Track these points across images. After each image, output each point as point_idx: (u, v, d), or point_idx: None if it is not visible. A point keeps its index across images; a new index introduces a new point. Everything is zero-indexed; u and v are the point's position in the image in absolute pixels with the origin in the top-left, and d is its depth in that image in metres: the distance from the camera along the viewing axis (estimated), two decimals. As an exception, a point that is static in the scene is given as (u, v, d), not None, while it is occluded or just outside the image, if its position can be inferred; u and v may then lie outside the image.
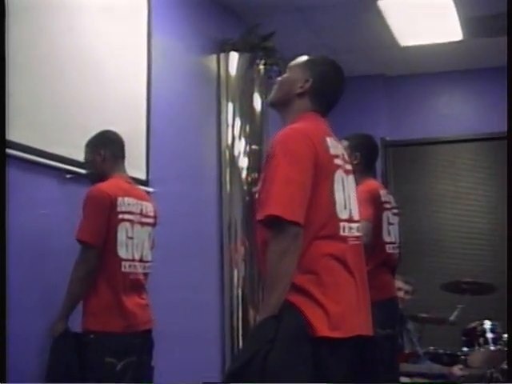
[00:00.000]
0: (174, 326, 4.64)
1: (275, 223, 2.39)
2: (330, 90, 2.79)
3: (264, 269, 2.49)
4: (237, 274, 5.77)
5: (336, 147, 2.66)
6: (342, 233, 2.54)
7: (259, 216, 2.47)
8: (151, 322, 3.67)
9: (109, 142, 3.78)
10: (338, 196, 2.56)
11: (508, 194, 3.25)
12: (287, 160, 2.47)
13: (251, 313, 5.73)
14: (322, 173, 2.51)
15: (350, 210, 2.63)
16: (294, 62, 2.88)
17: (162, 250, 3.98)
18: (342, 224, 2.55)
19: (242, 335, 5.70)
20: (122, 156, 3.82)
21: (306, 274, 2.44)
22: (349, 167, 2.73)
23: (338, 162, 2.62)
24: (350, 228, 2.59)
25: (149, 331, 3.66)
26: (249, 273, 5.75)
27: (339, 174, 2.60)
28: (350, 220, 2.61)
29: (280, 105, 2.82)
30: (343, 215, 2.57)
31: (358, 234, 2.64)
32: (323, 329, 2.38)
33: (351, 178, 2.73)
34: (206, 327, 5.52)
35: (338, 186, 2.57)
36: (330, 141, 2.63)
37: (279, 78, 2.89)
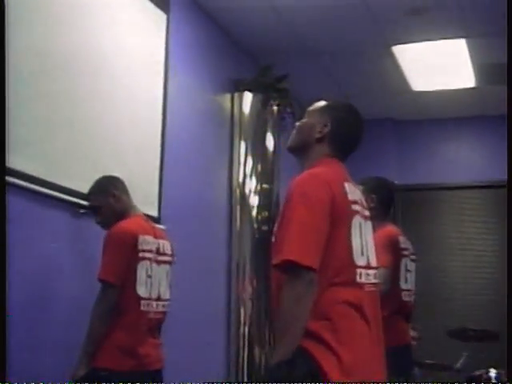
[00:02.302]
0: (181, 362, 4.62)
1: (290, 268, 2.38)
2: (348, 135, 2.79)
3: (277, 313, 2.48)
4: (243, 313, 5.76)
5: (354, 193, 2.65)
6: (358, 279, 2.52)
7: (275, 260, 2.45)
8: (162, 362, 3.65)
9: (116, 182, 3.78)
10: (355, 242, 2.55)
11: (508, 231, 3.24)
12: (304, 204, 2.46)
13: (257, 351, 5.72)
14: (339, 218, 2.50)
15: (368, 257, 2.61)
16: (312, 107, 2.87)
17: (172, 288, 3.98)
18: (358, 270, 2.53)
19: (248, 373, 5.68)
20: (129, 194, 3.81)
21: (320, 320, 2.42)
22: (367, 213, 2.72)
23: (355, 207, 2.61)
24: (367, 275, 2.57)
25: (159, 371, 3.64)
26: (256, 311, 5.74)
27: (357, 219, 2.59)
28: (368, 267, 2.59)
29: (299, 149, 2.81)
30: (360, 261, 2.55)
31: (374, 280, 2.62)
32: (336, 375, 2.35)
33: (369, 223, 2.72)
34: (212, 364, 5.51)
35: (355, 232, 2.55)
36: (348, 186, 2.63)
37: (298, 123, 2.87)
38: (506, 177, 7.25)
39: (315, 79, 6.72)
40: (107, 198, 3.70)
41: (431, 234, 7.84)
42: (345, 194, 2.59)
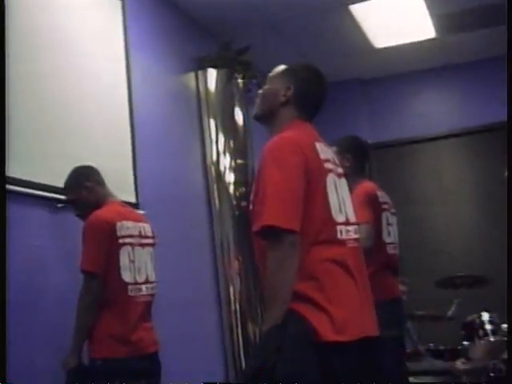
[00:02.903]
0: (174, 345, 4.63)
1: (271, 233, 2.39)
2: (312, 95, 2.79)
3: (264, 279, 2.50)
4: (233, 290, 5.76)
5: (326, 152, 2.66)
6: (339, 236, 2.54)
7: (255, 227, 2.46)
8: (157, 345, 3.66)
9: (88, 172, 3.77)
10: (332, 200, 2.56)
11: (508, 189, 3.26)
12: (278, 168, 2.46)
13: (250, 327, 5.73)
14: (313, 178, 2.51)
15: (346, 213, 2.62)
16: (273, 73, 2.87)
17: (157, 271, 3.99)
18: (339, 227, 2.54)
19: (243, 350, 5.69)
20: (105, 183, 3.81)
21: (306, 280, 2.44)
22: (340, 170, 2.73)
23: (328, 166, 2.61)
24: (348, 231, 2.59)
25: (155, 353, 3.65)
26: (245, 287, 5.75)
27: (331, 177, 2.60)
28: (347, 223, 2.60)
29: (265, 117, 2.82)
30: (339, 218, 2.56)
31: (355, 236, 2.64)
32: (328, 334, 2.38)
33: (344, 181, 2.73)
34: (206, 344, 5.52)
35: (331, 190, 2.57)
36: (319, 146, 2.63)
37: (260, 91, 2.87)
38: (477, 123, 7.41)
39: (277, 48, 6.69)
40: (80, 191, 3.70)
41: (410, 188, 7.88)
42: (316, 153, 2.60)
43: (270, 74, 2.87)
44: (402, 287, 5.74)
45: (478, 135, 7.57)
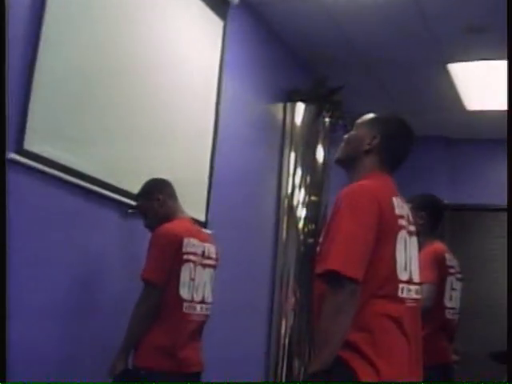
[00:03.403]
0: (220, 368, 4.63)
1: (333, 278, 2.39)
2: (397, 147, 2.79)
3: (318, 322, 2.49)
4: (285, 324, 5.76)
5: (401, 207, 2.64)
6: (400, 294, 2.52)
7: (318, 269, 2.47)
8: (202, 365, 3.67)
9: (163, 186, 3.82)
10: (400, 256, 2.54)
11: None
12: (351, 216, 2.46)
13: (296, 363, 5.71)
14: (385, 232, 2.50)
15: (411, 272, 2.60)
16: (361, 120, 2.87)
17: (216, 292, 4.01)
18: (401, 285, 2.52)
19: (286, 384, 5.68)
20: (177, 198, 3.85)
21: (360, 331, 2.42)
22: (413, 228, 2.71)
23: (402, 222, 2.60)
24: (409, 290, 2.56)
25: (198, 374, 3.66)
26: (297, 323, 5.74)
27: (402, 234, 2.58)
28: (410, 282, 2.58)
29: (347, 162, 2.81)
30: (403, 276, 2.54)
31: (416, 296, 2.61)
32: None
33: (414, 239, 2.70)
34: (250, 374, 5.50)
35: (400, 247, 2.55)
36: (395, 200, 2.62)
37: (346, 136, 2.88)
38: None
39: (369, 93, 6.73)
40: (151, 202, 3.75)
41: (479, 255, 7.77)
42: (392, 207, 2.58)
43: (358, 121, 2.87)
44: (454, 356, 5.66)
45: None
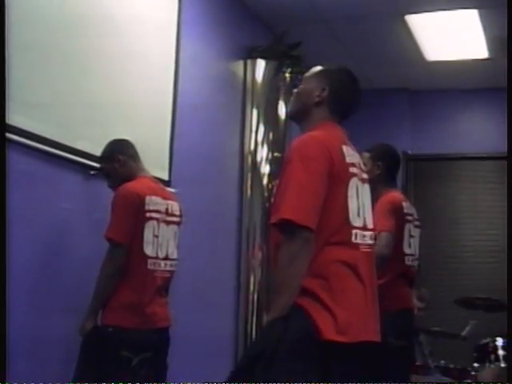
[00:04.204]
0: (190, 325, 4.69)
1: (288, 227, 2.45)
2: (346, 98, 2.84)
3: (274, 271, 2.55)
4: (253, 279, 5.82)
5: (352, 155, 2.70)
6: (354, 240, 2.58)
7: (273, 219, 2.53)
8: (169, 320, 3.72)
9: (123, 147, 3.85)
10: (352, 203, 2.60)
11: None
12: (303, 166, 2.52)
13: (265, 318, 5.77)
14: (336, 180, 2.56)
15: (364, 218, 2.66)
16: (309, 73, 2.92)
17: (181, 249, 4.05)
18: (354, 231, 2.59)
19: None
20: (139, 158, 3.88)
21: (315, 278, 2.48)
22: (365, 176, 2.77)
23: (353, 170, 2.66)
24: (363, 236, 2.63)
25: (166, 329, 3.71)
26: (265, 278, 5.79)
27: (354, 181, 2.64)
28: (364, 228, 2.64)
29: (298, 115, 2.88)
30: (356, 222, 2.60)
31: (370, 242, 2.67)
32: (330, 332, 2.42)
33: (367, 186, 2.77)
34: (220, 329, 5.58)
35: (352, 194, 2.61)
36: (346, 149, 2.67)
37: (295, 90, 2.94)
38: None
39: (328, 47, 6.71)
40: (112, 163, 3.78)
41: (443, 204, 7.88)
42: (343, 156, 2.64)
43: (306, 75, 2.92)
44: (419, 302, 5.77)
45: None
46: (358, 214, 2.63)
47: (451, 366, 5.79)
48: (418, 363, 5.60)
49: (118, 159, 3.77)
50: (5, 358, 2.51)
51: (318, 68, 2.91)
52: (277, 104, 6.07)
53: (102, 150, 3.87)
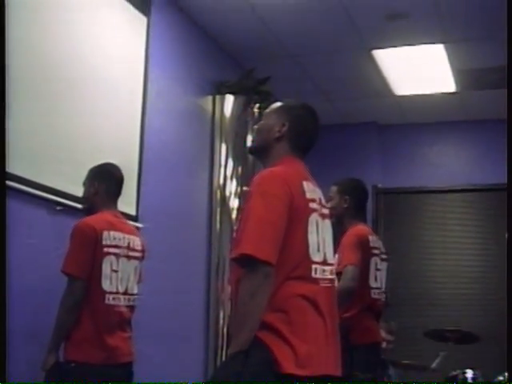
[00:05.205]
0: (157, 359, 4.68)
1: (248, 262, 2.45)
2: (306, 133, 2.87)
3: (235, 306, 2.56)
4: (222, 313, 5.81)
5: (313, 191, 2.72)
6: (313, 275, 2.59)
7: (233, 254, 2.54)
8: (132, 355, 3.71)
9: (105, 175, 3.87)
10: (312, 239, 2.62)
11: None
12: (263, 201, 2.54)
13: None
14: (296, 215, 2.58)
15: (325, 253, 2.68)
16: (269, 109, 2.97)
17: (149, 285, 4.04)
18: (314, 266, 2.60)
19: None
20: (117, 192, 3.90)
21: (275, 312, 2.49)
22: (325, 211, 2.79)
23: (313, 205, 2.67)
24: (323, 270, 2.64)
25: (129, 364, 3.70)
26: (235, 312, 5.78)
27: (314, 217, 2.65)
28: (324, 263, 2.66)
29: (259, 151, 2.92)
30: (316, 257, 2.62)
31: (331, 276, 2.69)
32: (290, 366, 2.42)
33: (327, 222, 2.78)
34: (189, 364, 5.55)
35: (312, 229, 2.62)
36: (306, 184, 2.70)
37: (256, 126, 2.98)
38: (487, 181, 7.43)
39: (297, 82, 6.79)
40: (89, 187, 3.84)
41: (414, 237, 7.93)
42: (303, 192, 2.66)
43: (267, 110, 2.97)
44: (387, 335, 5.79)
45: (486, 193, 7.62)
46: (318, 249, 2.64)
47: (421, 398, 5.82)
48: (387, 397, 5.61)
49: (94, 185, 3.81)
50: (5, 358, 2.52)
51: (278, 104, 2.95)
52: (245, 139, 6.10)
53: (90, 169, 3.89)
